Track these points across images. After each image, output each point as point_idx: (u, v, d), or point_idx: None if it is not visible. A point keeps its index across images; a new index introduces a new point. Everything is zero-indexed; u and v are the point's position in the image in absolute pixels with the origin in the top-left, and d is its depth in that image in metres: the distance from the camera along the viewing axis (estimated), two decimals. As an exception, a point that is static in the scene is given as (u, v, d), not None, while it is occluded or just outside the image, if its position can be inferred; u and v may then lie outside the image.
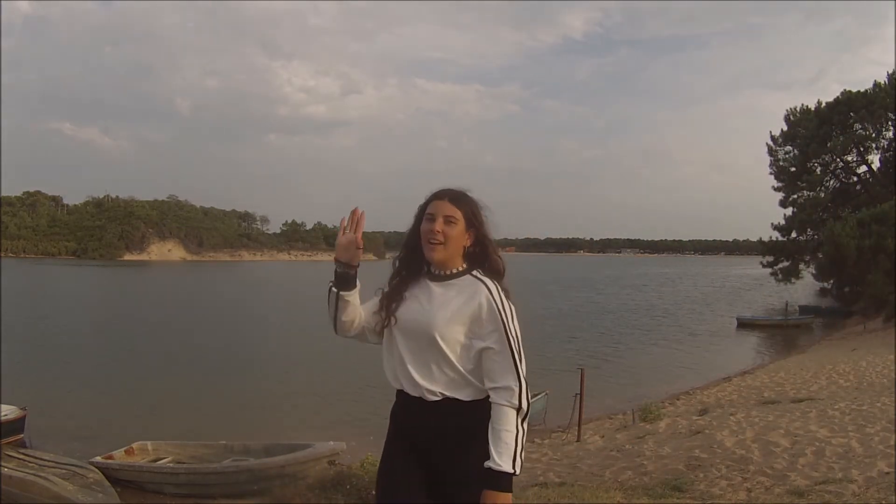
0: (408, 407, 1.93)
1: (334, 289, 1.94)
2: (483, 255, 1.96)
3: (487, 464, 1.75)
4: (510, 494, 1.79)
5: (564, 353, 19.31)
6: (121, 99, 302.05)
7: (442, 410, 1.87)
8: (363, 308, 2.00)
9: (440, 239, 1.88)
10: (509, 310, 1.86)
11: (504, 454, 1.76)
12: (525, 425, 1.82)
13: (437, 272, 1.95)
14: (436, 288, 1.93)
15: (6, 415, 9.62)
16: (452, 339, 1.86)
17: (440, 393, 1.87)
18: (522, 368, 1.82)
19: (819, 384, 12.13)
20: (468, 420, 1.86)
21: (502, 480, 1.77)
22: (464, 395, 1.87)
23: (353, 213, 1.99)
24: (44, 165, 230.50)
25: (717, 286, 61.34)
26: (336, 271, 1.95)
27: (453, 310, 1.87)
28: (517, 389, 1.79)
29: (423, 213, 1.94)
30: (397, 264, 2.03)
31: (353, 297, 1.95)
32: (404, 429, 1.95)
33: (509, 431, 1.77)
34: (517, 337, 1.84)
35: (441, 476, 1.89)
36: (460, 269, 1.94)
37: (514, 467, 1.77)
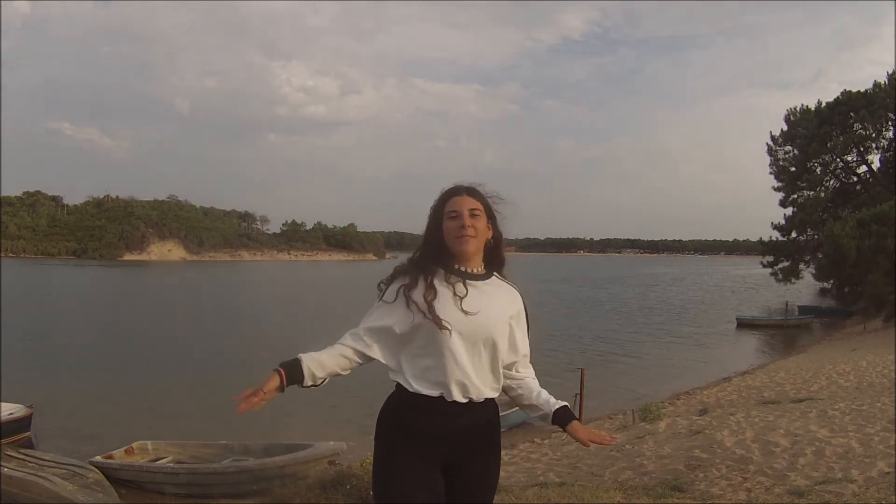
0: (440, 413, 1.85)
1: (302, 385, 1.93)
2: (497, 250, 2.00)
3: (560, 403, 2.02)
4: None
5: (564, 353, 19.32)
6: (120, 99, 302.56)
7: (482, 410, 1.92)
8: (370, 332, 1.91)
9: (472, 233, 1.89)
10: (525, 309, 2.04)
11: (547, 398, 2.03)
12: None
13: (466, 270, 1.93)
14: (475, 289, 1.92)
15: (12, 413, 9.65)
16: (503, 341, 1.93)
17: (488, 395, 1.92)
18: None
19: (819, 384, 12.13)
20: (494, 417, 1.98)
21: (569, 412, 2.02)
22: (498, 393, 1.97)
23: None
24: (44, 165, 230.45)
25: (716, 286, 61.30)
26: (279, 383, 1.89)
27: (503, 312, 1.94)
28: (530, 368, 2.09)
29: (442, 213, 1.92)
30: (418, 265, 1.94)
31: (319, 374, 1.92)
32: (432, 435, 1.86)
33: (534, 387, 2.05)
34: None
35: (461, 476, 1.91)
36: (482, 269, 1.98)
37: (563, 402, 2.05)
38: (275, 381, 1.87)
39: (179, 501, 7.47)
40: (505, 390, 2.02)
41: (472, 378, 1.87)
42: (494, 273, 2.00)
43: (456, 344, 1.85)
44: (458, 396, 1.85)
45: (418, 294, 1.87)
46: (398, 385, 1.92)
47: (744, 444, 5.76)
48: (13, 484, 6.59)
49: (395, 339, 1.90)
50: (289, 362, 1.91)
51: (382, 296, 1.95)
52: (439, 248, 1.93)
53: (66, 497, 6.43)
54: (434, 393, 1.85)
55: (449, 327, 1.83)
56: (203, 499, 7.36)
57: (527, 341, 2.04)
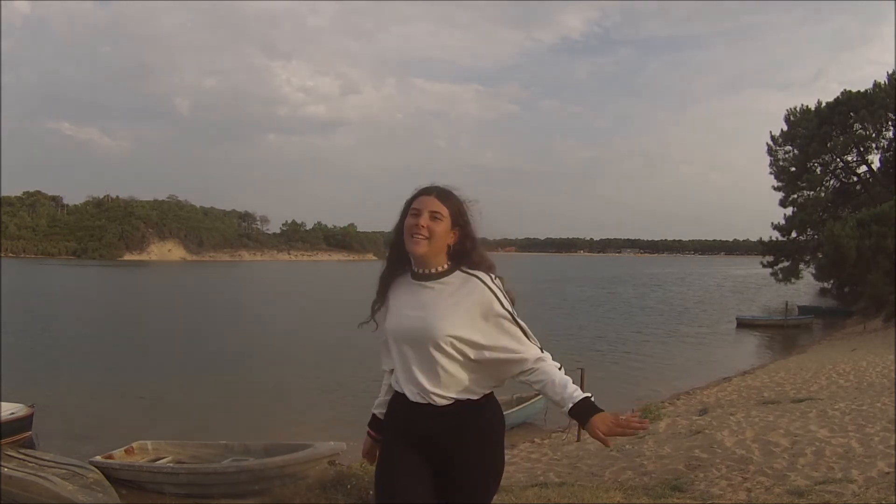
0: (412, 412, 1.88)
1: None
2: (467, 254, 1.92)
3: (581, 396, 1.84)
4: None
5: (564, 353, 19.29)
6: (120, 99, 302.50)
7: (455, 413, 1.85)
8: (383, 345, 2.03)
9: (424, 234, 1.85)
10: (501, 291, 1.88)
11: (570, 389, 1.85)
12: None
13: (421, 271, 1.91)
14: (426, 289, 1.89)
15: (13, 412, 9.66)
16: (458, 341, 1.83)
17: (451, 397, 1.85)
18: (531, 334, 1.90)
19: (819, 384, 12.12)
20: (480, 419, 1.89)
21: (591, 405, 1.85)
22: (475, 394, 1.88)
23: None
24: (44, 165, 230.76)
25: (716, 286, 61.30)
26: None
27: (451, 311, 1.84)
28: (545, 353, 1.90)
29: (409, 208, 1.91)
30: (385, 266, 2.01)
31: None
32: (409, 433, 1.90)
33: (562, 377, 1.87)
34: (515, 315, 1.89)
35: (453, 477, 1.87)
36: (445, 266, 1.91)
37: (587, 393, 1.89)
38: (368, 441, 2.13)
39: (179, 501, 7.47)
40: (529, 385, 1.92)
41: (421, 381, 1.85)
42: (461, 268, 1.91)
43: (404, 348, 1.89)
44: (416, 398, 1.87)
45: (386, 303, 1.98)
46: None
47: (744, 444, 5.76)
48: (13, 484, 6.59)
49: (385, 348, 2.01)
50: (371, 421, 2.13)
51: (376, 312, 2.04)
52: (401, 246, 1.93)
53: (66, 497, 6.43)
54: (399, 390, 1.93)
55: (394, 333, 1.92)
56: (203, 499, 7.36)
57: (512, 324, 1.86)
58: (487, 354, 1.85)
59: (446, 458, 1.88)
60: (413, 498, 1.84)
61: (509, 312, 1.87)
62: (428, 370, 1.85)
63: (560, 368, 1.90)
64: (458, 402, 1.86)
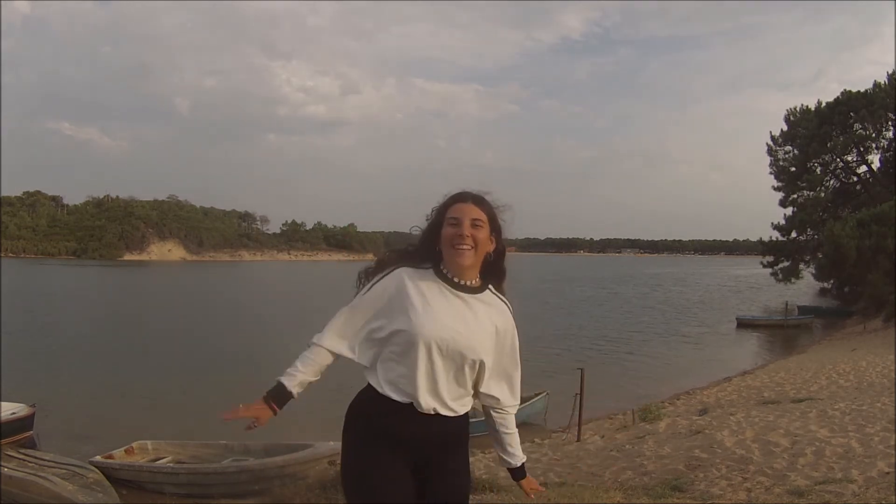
0: (410, 419, 1.81)
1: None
2: (497, 263, 1.90)
3: (518, 460, 2.03)
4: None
5: (564, 353, 19.34)
6: (120, 99, 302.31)
7: (450, 422, 1.85)
8: (346, 325, 1.88)
9: (470, 244, 1.78)
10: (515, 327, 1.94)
11: (520, 449, 2.05)
12: None
13: (457, 280, 1.84)
14: (465, 303, 1.83)
15: (14, 412, 9.67)
16: (486, 362, 1.85)
17: (458, 412, 1.85)
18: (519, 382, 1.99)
19: (819, 384, 12.13)
20: (464, 427, 1.92)
21: (523, 469, 2.08)
22: (468, 409, 1.91)
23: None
24: (44, 165, 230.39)
25: (716, 286, 61.30)
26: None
27: (491, 333, 1.84)
28: (518, 403, 2.02)
29: (443, 217, 1.83)
30: (411, 264, 1.87)
31: (299, 388, 1.93)
32: (400, 439, 1.82)
33: (516, 433, 2.03)
34: (519, 354, 1.96)
35: (428, 480, 1.86)
36: (477, 281, 1.87)
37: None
38: (258, 404, 1.92)
39: (179, 501, 7.47)
40: (483, 413, 1.98)
41: (442, 394, 1.79)
42: (489, 287, 1.89)
43: (434, 357, 1.77)
44: (427, 409, 1.79)
45: (405, 299, 1.79)
46: (370, 385, 1.85)
47: (744, 444, 5.76)
48: (13, 484, 6.60)
49: (373, 340, 1.84)
50: (272, 389, 1.94)
51: (367, 291, 1.87)
52: (433, 252, 1.86)
53: (66, 497, 6.43)
54: (403, 400, 1.79)
55: (429, 340, 1.75)
56: (203, 499, 7.36)
57: (515, 365, 1.92)
58: (495, 385, 1.94)
59: (434, 462, 1.86)
60: (402, 499, 1.82)
61: (518, 349, 1.94)
62: (454, 385, 1.82)
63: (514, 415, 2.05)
64: (457, 415, 1.87)
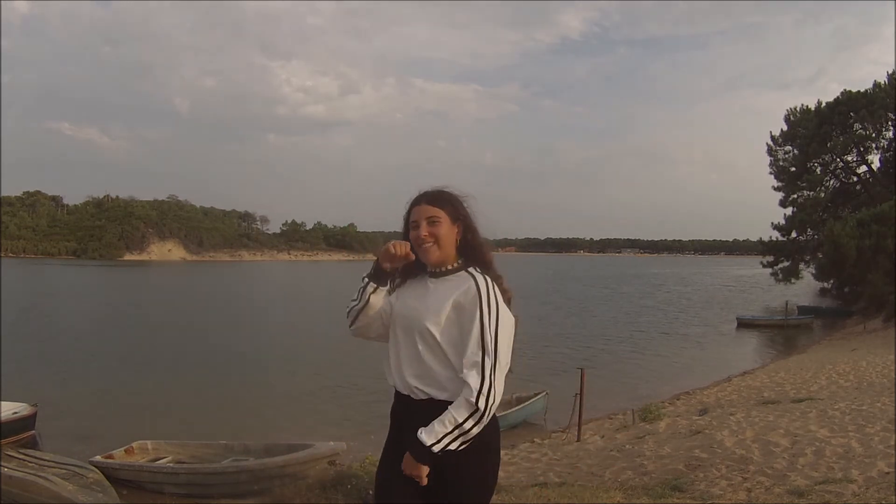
0: (400, 405, 1.97)
1: (371, 282, 1.98)
2: (474, 247, 1.98)
3: (421, 436, 1.76)
4: (425, 467, 1.78)
5: (564, 353, 19.35)
6: (120, 99, 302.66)
7: (430, 411, 1.82)
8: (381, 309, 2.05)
9: (430, 241, 1.92)
10: (493, 304, 1.81)
11: (433, 433, 1.75)
12: (474, 427, 1.75)
13: (434, 270, 1.98)
14: (431, 283, 1.96)
15: (16, 412, 9.69)
16: (443, 332, 1.84)
17: (426, 393, 1.87)
18: (491, 367, 1.75)
19: (819, 384, 12.12)
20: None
21: (420, 450, 1.77)
22: (450, 397, 1.81)
23: (407, 255, 1.92)
24: (44, 165, 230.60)
25: (716, 286, 61.28)
26: (375, 267, 1.98)
27: (443, 304, 1.86)
28: (476, 388, 1.74)
29: (408, 223, 1.98)
30: (399, 269, 2.04)
31: (383, 294, 2.01)
32: (401, 428, 1.94)
33: (452, 420, 1.75)
34: (494, 335, 1.78)
35: (444, 479, 1.84)
36: (455, 265, 1.97)
37: (433, 446, 1.75)
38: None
39: (179, 501, 7.47)
40: None
41: (403, 369, 1.91)
42: (469, 268, 1.93)
43: (398, 335, 1.96)
44: (399, 387, 1.94)
45: (392, 289, 2.04)
46: None
47: (744, 444, 5.76)
48: (13, 484, 6.59)
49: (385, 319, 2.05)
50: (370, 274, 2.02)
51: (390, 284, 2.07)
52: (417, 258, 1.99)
53: (66, 497, 6.42)
54: (391, 383, 1.99)
55: (395, 319, 1.98)
56: (203, 499, 7.36)
57: (475, 336, 1.78)
58: (456, 357, 1.82)
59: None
60: (399, 498, 1.86)
61: (481, 317, 1.79)
62: (414, 359, 1.90)
63: (475, 409, 1.74)
64: (431, 400, 1.85)
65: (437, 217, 1.93)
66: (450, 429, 1.75)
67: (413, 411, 1.88)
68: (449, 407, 1.78)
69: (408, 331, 1.92)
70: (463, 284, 1.88)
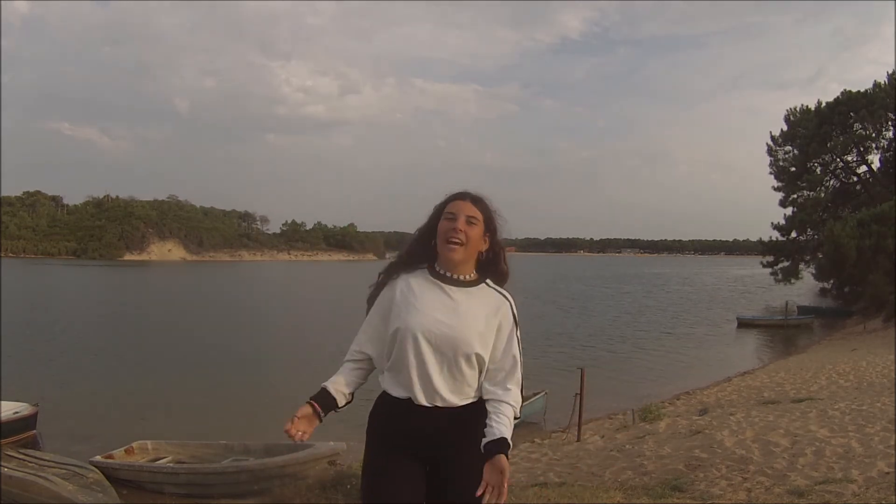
0: (411, 414, 1.87)
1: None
2: (494, 263, 1.96)
3: (498, 434, 1.80)
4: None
5: (565, 353, 19.35)
6: (119, 99, 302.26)
7: (453, 415, 1.86)
8: (369, 332, 1.98)
9: (462, 239, 1.86)
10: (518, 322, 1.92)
11: (507, 429, 1.84)
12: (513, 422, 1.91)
13: (449, 275, 1.91)
14: (457, 295, 1.89)
15: (17, 411, 9.69)
16: (482, 354, 1.86)
17: (458, 403, 1.87)
18: (522, 381, 1.92)
19: (819, 384, 12.13)
20: (473, 421, 1.88)
21: (506, 447, 1.83)
22: (474, 398, 1.90)
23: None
24: (44, 165, 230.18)
25: (716, 286, 61.31)
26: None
27: (483, 324, 1.87)
28: (518, 402, 1.91)
29: (441, 213, 1.92)
30: (404, 259, 1.98)
31: (344, 396, 1.95)
32: (408, 436, 1.88)
33: (510, 418, 1.86)
34: (521, 350, 1.92)
35: (454, 477, 1.87)
36: (473, 276, 1.93)
37: (510, 440, 1.85)
38: (306, 408, 1.92)
39: (179, 501, 7.47)
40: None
41: (436, 385, 1.84)
42: (486, 281, 1.94)
43: (423, 349, 1.83)
44: (423, 401, 1.85)
45: (402, 299, 1.89)
46: (383, 387, 1.96)
47: (744, 444, 5.76)
48: (13, 484, 6.60)
49: (383, 342, 1.93)
50: (317, 394, 1.95)
51: (375, 298, 1.99)
52: (428, 248, 1.94)
53: (66, 497, 6.43)
54: (402, 395, 1.87)
55: (416, 332, 1.83)
56: (203, 499, 7.36)
57: (513, 355, 1.89)
58: (493, 371, 1.90)
59: (448, 458, 1.88)
60: (406, 499, 1.85)
61: (518, 340, 1.91)
62: (449, 377, 1.86)
63: (516, 411, 1.89)
64: (468, 405, 1.89)
65: (476, 219, 1.89)
66: (511, 425, 1.87)
67: (437, 418, 1.86)
68: (500, 408, 1.85)
69: (443, 349, 1.84)
70: (492, 301, 1.90)
